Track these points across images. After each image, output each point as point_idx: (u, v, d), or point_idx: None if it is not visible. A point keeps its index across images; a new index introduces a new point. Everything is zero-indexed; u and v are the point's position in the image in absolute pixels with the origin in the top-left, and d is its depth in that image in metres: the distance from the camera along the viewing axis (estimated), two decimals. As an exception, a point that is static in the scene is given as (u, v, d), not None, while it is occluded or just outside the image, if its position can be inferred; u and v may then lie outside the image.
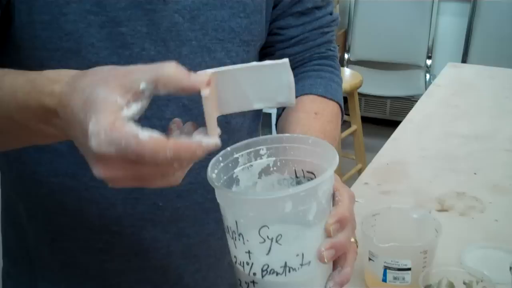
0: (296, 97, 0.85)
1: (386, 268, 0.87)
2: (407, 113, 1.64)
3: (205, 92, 0.52)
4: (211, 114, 0.54)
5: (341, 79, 0.93)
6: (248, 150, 0.63)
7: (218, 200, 0.60)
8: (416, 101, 1.74)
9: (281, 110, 0.89)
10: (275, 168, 0.64)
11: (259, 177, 0.64)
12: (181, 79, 0.51)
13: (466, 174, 1.29)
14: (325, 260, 0.58)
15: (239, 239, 0.58)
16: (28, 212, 0.84)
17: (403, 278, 0.87)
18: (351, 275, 0.62)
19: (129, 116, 0.50)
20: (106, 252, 0.82)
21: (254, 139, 0.63)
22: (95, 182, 0.77)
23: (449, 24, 3.67)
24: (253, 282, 0.59)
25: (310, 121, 0.82)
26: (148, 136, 0.48)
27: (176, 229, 0.82)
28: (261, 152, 0.63)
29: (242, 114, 0.85)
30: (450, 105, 1.68)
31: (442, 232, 0.90)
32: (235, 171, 0.62)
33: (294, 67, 0.89)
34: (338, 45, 3.73)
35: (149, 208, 0.79)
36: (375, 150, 1.48)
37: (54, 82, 0.56)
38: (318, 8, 0.88)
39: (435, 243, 0.89)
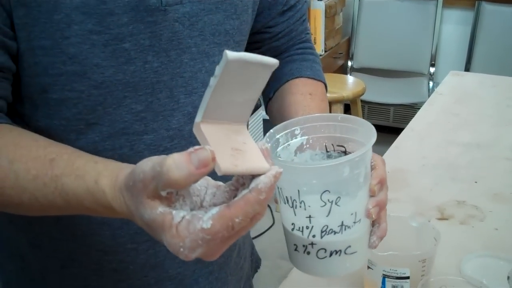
0: (287, 80, 0.92)
1: (385, 277, 0.87)
2: (410, 120, 1.64)
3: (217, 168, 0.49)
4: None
5: (319, 58, 0.99)
6: (286, 131, 0.71)
7: None
8: (419, 108, 1.75)
9: (272, 93, 0.93)
10: (307, 146, 0.72)
11: (295, 155, 0.72)
12: (187, 170, 0.48)
13: (466, 182, 1.30)
14: (373, 216, 0.66)
15: (300, 206, 0.64)
16: (31, 242, 0.82)
17: (402, 287, 0.87)
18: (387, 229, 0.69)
19: (181, 216, 0.50)
20: (121, 271, 0.81)
21: (290, 120, 0.71)
22: None
23: (453, 32, 3.67)
24: (312, 243, 0.65)
25: (307, 101, 0.88)
26: (210, 223, 0.49)
27: None
28: (296, 132, 0.71)
29: None
30: (451, 113, 1.68)
31: (441, 241, 0.90)
32: (277, 150, 0.70)
33: (279, 53, 0.95)
34: (342, 53, 3.74)
35: None
36: (377, 157, 1.48)
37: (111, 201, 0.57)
38: (298, 0, 0.93)
39: (434, 251, 0.90)
